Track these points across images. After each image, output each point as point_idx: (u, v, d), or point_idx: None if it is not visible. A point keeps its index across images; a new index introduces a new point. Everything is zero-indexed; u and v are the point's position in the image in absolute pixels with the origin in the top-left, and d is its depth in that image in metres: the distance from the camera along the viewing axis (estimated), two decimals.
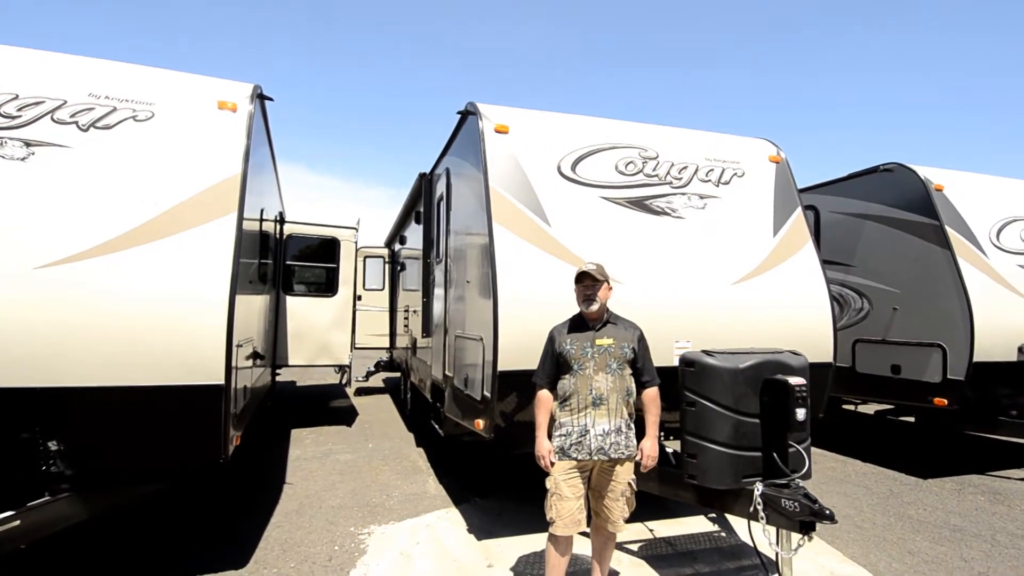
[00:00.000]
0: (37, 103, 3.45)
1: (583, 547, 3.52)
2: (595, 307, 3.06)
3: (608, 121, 4.96)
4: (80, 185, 3.36)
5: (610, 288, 3.15)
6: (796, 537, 3.05)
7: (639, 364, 3.13)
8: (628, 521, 3.18)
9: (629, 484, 3.09)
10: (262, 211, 5.35)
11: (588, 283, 3.07)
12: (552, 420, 3.10)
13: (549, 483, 3.05)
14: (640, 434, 3.12)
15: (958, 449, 7.24)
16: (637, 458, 3.08)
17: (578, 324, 3.14)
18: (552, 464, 3.02)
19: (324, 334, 8.34)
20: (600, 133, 4.79)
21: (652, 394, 3.16)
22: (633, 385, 3.11)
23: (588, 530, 3.27)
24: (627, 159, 4.73)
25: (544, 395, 3.12)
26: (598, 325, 3.10)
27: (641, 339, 3.16)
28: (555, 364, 3.11)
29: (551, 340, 3.16)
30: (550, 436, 3.08)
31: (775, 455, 3.22)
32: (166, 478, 3.74)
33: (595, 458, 2.98)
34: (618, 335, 3.09)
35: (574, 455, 2.99)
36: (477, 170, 4.43)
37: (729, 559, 3.97)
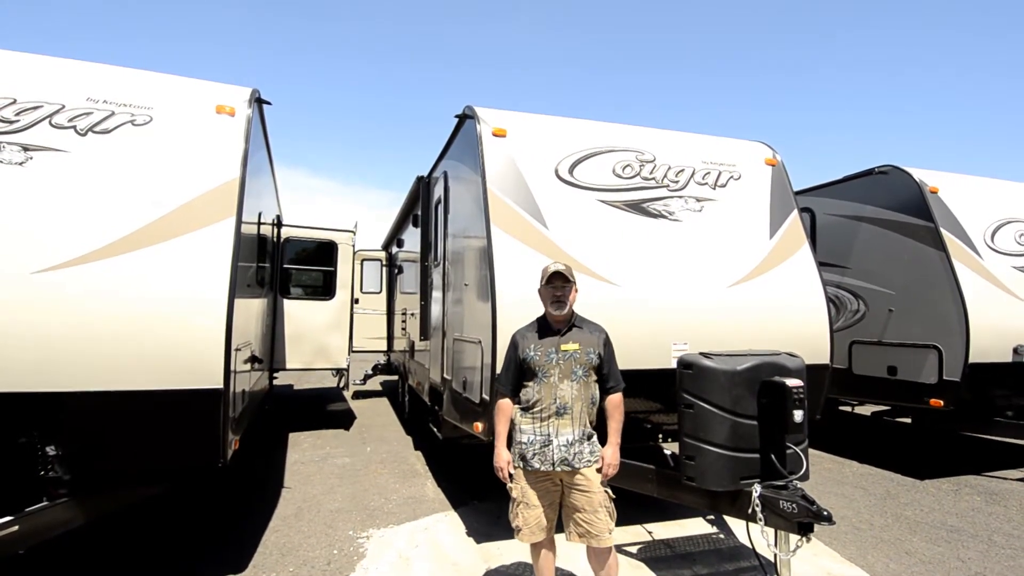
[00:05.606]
0: (35, 107, 3.45)
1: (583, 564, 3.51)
2: (565, 310, 2.93)
3: (605, 124, 4.98)
4: (78, 189, 3.35)
5: (577, 290, 3.03)
6: (794, 538, 3.06)
7: (605, 370, 2.97)
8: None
9: (606, 493, 2.92)
10: (260, 215, 5.35)
11: (559, 284, 2.92)
12: (512, 425, 2.97)
13: (515, 491, 2.93)
14: (602, 441, 2.98)
15: (954, 450, 7.27)
16: (598, 466, 2.90)
17: (543, 328, 2.99)
18: (511, 476, 2.92)
19: (322, 337, 8.34)
20: (597, 136, 4.81)
21: (616, 400, 2.99)
22: (597, 392, 2.96)
23: (566, 536, 3.04)
24: (624, 162, 4.75)
25: (504, 404, 2.98)
26: (564, 329, 2.95)
27: (607, 343, 3.01)
28: (519, 370, 2.96)
29: (514, 345, 3.00)
30: (509, 445, 2.97)
31: (773, 457, 3.22)
32: (165, 482, 3.73)
33: (558, 469, 2.84)
34: (584, 339, 2.93)
35: (536, 465, 2.85)
36: (475, 173, 4.44)
37: (728, 561, 3.98)
